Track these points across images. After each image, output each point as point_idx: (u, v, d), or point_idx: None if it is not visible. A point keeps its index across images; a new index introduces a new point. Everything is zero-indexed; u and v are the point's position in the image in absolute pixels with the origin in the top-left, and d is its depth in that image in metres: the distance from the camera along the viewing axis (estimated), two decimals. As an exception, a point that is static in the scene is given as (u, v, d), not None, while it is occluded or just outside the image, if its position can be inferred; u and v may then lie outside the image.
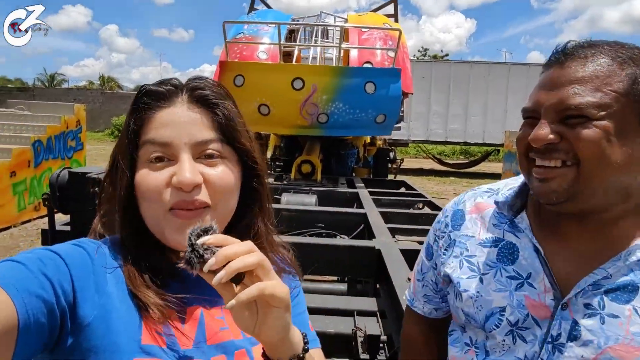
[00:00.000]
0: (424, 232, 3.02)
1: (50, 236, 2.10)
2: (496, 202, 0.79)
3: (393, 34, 4.86)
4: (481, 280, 0.76)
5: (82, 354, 0.53)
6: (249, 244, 0.51)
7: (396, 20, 6.33)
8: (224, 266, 0.48)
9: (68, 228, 2.10)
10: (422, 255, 0.93)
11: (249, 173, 0.67)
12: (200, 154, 0.60)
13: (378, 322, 1.75)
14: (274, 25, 5.05)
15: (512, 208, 0.77)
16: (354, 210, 3.48)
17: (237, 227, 0.67)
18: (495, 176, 13.99)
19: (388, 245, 2.25)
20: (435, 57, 31.44)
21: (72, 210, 1.92)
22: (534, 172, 0.67)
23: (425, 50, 37.88)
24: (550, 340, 0.68)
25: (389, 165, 7.36)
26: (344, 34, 4.67)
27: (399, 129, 5.27)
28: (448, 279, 0.82)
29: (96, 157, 13.70)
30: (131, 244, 0.62)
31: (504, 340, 0.73)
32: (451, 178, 14.37)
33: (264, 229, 0.70)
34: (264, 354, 0.57)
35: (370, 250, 2.24)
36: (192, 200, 0.58)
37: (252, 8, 6.64)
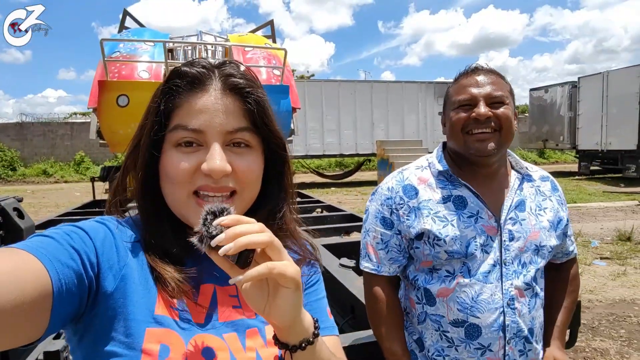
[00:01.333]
0: (333, 231, 3.29)
1: None
2: (440, 172, 1.15)
3: (276, 54, 5.13)
4: (452, 224, 1.10)
5: (103, 321, 0.56)
6: (260, 225, 0.52)
7: (274, 41, 6.64)
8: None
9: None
10: (377, 229, 1.17)
11: (275, 159, 0.68)
12: (230, 141, 0.62)
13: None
14: (152, 44, 4.89)
15: (450, 172, 1.14)
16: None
17: (263, 212, 0.68)
18: (371, 183, 15.31)
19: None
20: (302, 77, 33.14)
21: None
22: (475, 138, 1.07)
23: (293, 71, 39.59)
24: (503, 245, 1.10)
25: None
26: (228, 53, 4.77)
27: (290, 141, 5.54)
28: (421, 235, 1.11)
29: None
30: (149, 221, 0.64)
31: (480, 257, 1.08)
32: (332, 188, 15.26)
33: (289, 213, 0.71)
34: (274, 337, 0.58)
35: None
36: (219, 187, 0.60)
37: (122, 26, 6.28)
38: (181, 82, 0.62)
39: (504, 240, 1.09)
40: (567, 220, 1.22)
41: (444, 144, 1.22)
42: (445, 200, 1.12)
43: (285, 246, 0.66)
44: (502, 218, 1.10)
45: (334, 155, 17.38)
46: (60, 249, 0.53)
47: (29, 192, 15.20)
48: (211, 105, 0.61)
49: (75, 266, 0.52)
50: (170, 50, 5.79)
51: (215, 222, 0.50)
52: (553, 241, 1.15)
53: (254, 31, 6.87)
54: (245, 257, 0.50)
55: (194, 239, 0.51)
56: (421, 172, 1.18)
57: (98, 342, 0.55)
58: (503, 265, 1.08)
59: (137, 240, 0.63)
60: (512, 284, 1.08)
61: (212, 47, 5.71)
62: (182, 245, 0.61)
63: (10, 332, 0.45)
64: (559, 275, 1.29)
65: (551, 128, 16.93)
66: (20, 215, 1.73)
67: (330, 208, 4.29)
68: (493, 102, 1.07)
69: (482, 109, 1.05)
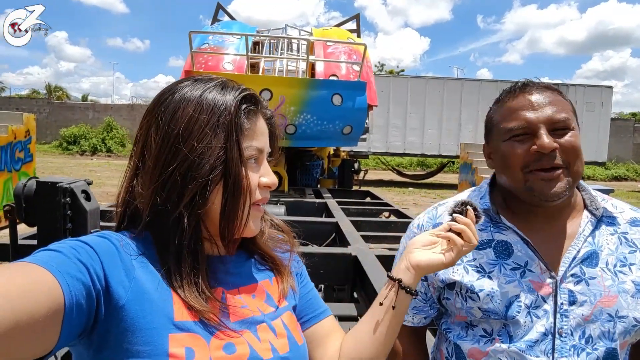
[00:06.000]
0: (395, 239, 3.11)
1: (12, 251, 1.98)
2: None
3: (357, 49, 5.01)
4: (490, 277, 0.88)
5: (118, 335, 0.57)
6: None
7: (358, 36, 6.51)
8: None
9: (34, 242, 1.98)
10: None
11: None
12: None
13: (360, 326, 1.79)
14: (239, 37, 5.07)
15: (493, 212, 0.91)
16: (325, 219, 3.53)
17: None
18: (451, 187, 14.55)
19: (364, 251, 2.31)
20: (391, 72, 32.45)
21: (39, 222, 1.82)
22: (539, 177, 0.82)
23: (382, 65, 38.84)
24: (559, 310, 0.84)
25: (354, 176, 7.50)
26: (310, 47, 4.76)
27: (364, 140, 5.41)
28: (452, 285, 0.91)
29: (44, 169, 12.95)
30: (171, 236, 0.65)
31: (525, 322, 0.85)
32: (410, 189, 14.80)
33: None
34: (404, 287, 0.76)
35: (346, 257, 2.28)
36: (268, 197, 0.75)
37: (215, 19, 6.61)
38: (254, 106, 0.71)
39: (561, 304, 0.84)
40: None
41: (494, 176, 0.97)
42: (483, 246, 0.90)
43: (275, 246, 0.82)
44: (560, 274, 0.85)
45: (415, 155, 16.83)
46: (69, 262, 0.54)
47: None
48: (265, 130, 0.74)
49: (85, 280, 0.54)
50: (257, 43, 5.98)
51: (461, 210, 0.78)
52: None
53: (339, 25, 6.81)
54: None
55: (456, 210, 0.78)
56: None
57: (116, 357, 0.57)
58: (557, 336, 0.84)
59: (141, 253, 0.65)
60: None
61: (296, 41, 5.78)
62: (198, 255, 0.67)
63: (23, 346, 0.46)
64: None
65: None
66: (88, 197, 1.86)
67: (399, 214, 4.10)
68: (556, 127, 0.83)
69: (546, 138, 0.81)
